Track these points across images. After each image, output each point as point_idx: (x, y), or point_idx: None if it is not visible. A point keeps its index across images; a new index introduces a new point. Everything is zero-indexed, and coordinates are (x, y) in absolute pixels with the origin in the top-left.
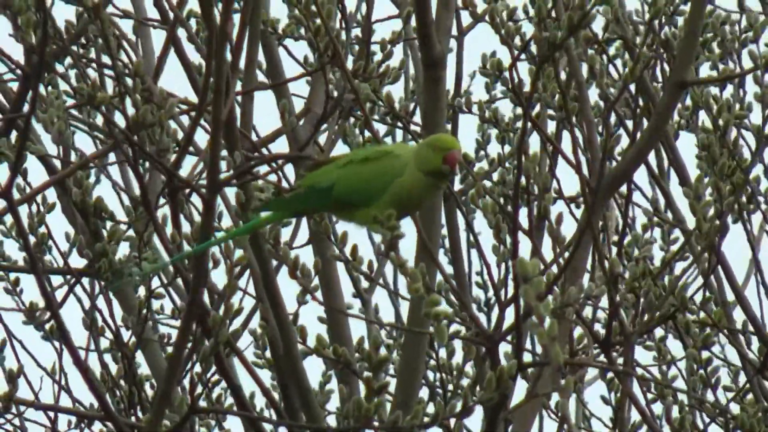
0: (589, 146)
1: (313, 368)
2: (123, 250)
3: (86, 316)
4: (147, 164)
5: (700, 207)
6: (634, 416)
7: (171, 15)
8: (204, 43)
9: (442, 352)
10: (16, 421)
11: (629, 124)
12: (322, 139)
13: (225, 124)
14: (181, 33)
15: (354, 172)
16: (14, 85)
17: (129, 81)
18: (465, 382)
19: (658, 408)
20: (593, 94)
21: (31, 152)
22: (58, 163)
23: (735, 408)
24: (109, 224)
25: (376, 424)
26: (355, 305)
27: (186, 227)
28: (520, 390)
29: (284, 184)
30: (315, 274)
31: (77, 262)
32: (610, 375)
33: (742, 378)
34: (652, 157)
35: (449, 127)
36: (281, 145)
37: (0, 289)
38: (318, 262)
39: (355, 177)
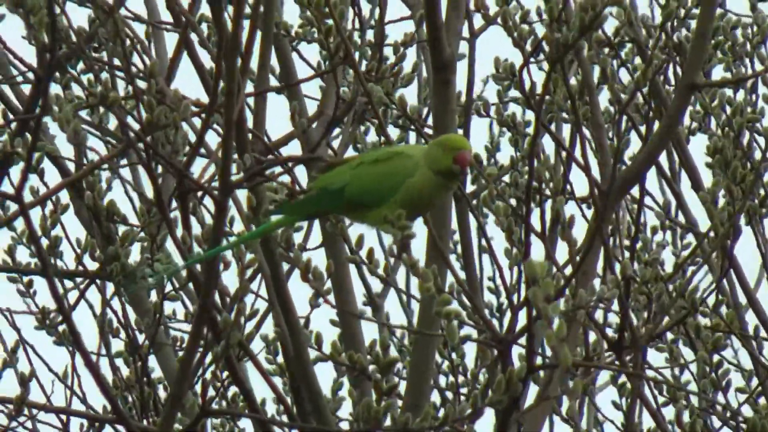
0: (600, 150)
1: (324, 372)
2: (135, 253)
3: (98, 319)
4: (159, 167)
5: (717, 212)
6: (646, 422)
7: (184, 18)
8: (214, 45)
9: (453, 355)
10: (29, 424)
11: (641, 129)
12: (336, 142)
13: (235, 125)
14: (194, 36)
15: (365, 173)
16: (27, 88)
17: (142, 83)
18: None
19: (669, 414)
20: (604, 100)
21: (42, 151)
22: (72, 167)
23: (747, 411)
24: (121, 227)
25: (387, 425)
26: (367, 312)
27: (197, 229)
28: (531, 392)
29: (296, 186)
30: (327, 277)
31: (90, 265)
32: (621, 380)
33: (754, 381)
34: (664, 160)
35: (461, 131)
36: (294, 148)
37: (13, 291)
38: (330, 264)
39: (367, 178)
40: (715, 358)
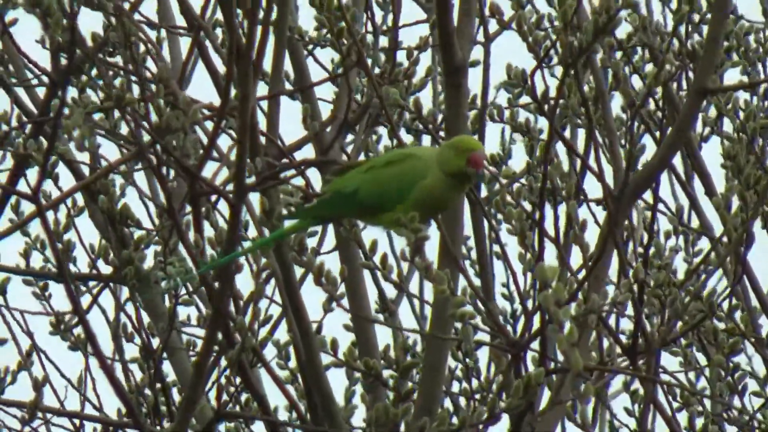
0: (612, 155)
1: (336, 379)
2: (150, 257)
3: (113, 323)
4: (172, 172)
5: (730, 218)
6: (659, 429)
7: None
8: (225, 47)
9: (467, 359)
10: (43, 429)
11: (655, 134)
12: (350, 147)
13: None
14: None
15: (378, 176)
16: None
17: (154, 87)
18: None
19: (683, 420)
20: (616, 107)
21: (58, 153)
22: (86, 171)
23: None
24: (135, 232)
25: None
26: (381, 317)
27: (211, 233)
28: (543, 397)
29: (310, 189)
30: (341, 282)
31: (103, 269)
32: (633, 386)
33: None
34: (678, 163)
35: (476, 137)
36: (308, 152)
37: (28, 295)
38: (344, 269)
39: (379, 180)
40: (730, 363)
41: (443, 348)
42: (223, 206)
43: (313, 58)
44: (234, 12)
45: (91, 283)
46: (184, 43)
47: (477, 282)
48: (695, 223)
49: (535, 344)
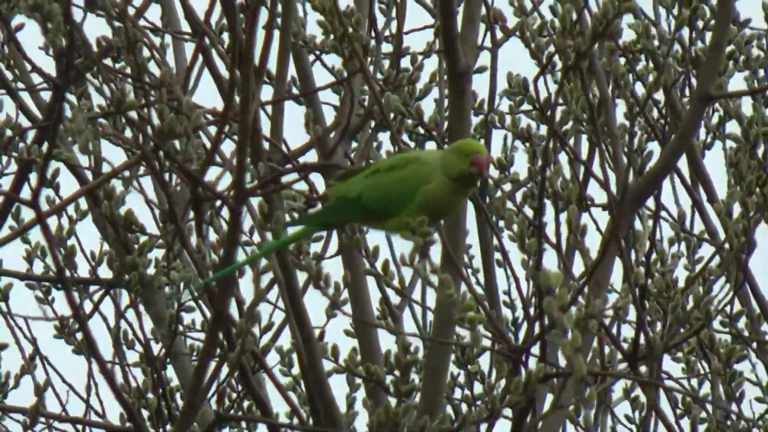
0: (615, 162)
1: (338, 385)
2: (153, 263)
3: (113, 330)
4: (174, 177)
5: (732, 224)
6: None
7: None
8: (227, 51)
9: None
10: None
11: (657, 139)
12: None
13: (250, 132)
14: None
15: (381, 180)
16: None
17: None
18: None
19: (686, 427)
20: (620, 114)
21: (59, 159)
22: (89, 175)
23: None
24: (140, 237)
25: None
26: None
27: (214, 239)
28: (544, 402)
29: (313, 194)
30: (344, 287)
31: (106, 274)
32: (634, 394)
33: None
34: (684, 167)
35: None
36: (312, 158)
37: (30, 299)
38: (347, 275)
39: (383, 185)
40: (732, 372)
41: (445, 352)
42: (226, 211)
43: (320, 63)
44: (237, 16)
45: (92, 288)
46: (189, 48)
47: (479, 290)
48: (701, 228)
49: (536, 350)
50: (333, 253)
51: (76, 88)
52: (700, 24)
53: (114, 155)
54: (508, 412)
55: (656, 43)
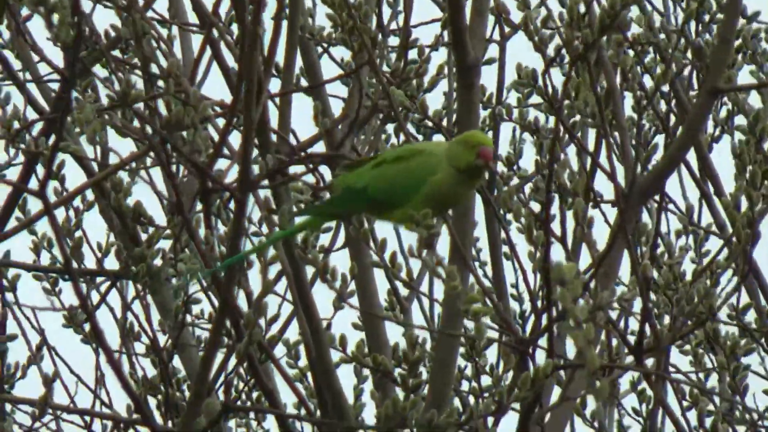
0: (623, 154)
1: (345, 377)
2: (159, 254)
3: (120, 321)
4: (182, 168)
5: (739, 217)
6: (668, 430)
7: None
8: (236, 44)
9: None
10: (53, 425)
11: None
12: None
13: (256, 124)
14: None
15: (388, 172)
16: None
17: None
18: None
19: (693, 420)
20: (628, 107)
21: (66, 151)
22: (96, 167)
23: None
24: (148, 229)
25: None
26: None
27: (221, 229)
28: (551, 394)
29: (320, 185)
30: (351, 279)
31: (112, 265)
32: (641, 386)
33: None
34: (693, 159)
35: (490, 135)
36: (320, 150)
37: (37, 290)
38: (354, 266)
39: (389, 176)
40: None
41: (453, 345)
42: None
43: (328, 56)
44: (246, 8)
45: (99, 279)
46: (196, 40)
47: (487, 282)
48: (709, 220)
49: (543, 342)
50: (340, 246)
51: (81, 81)
52: (707, 17)
53: (122, 146)
54: (515, 404)
55: (662, 36)
